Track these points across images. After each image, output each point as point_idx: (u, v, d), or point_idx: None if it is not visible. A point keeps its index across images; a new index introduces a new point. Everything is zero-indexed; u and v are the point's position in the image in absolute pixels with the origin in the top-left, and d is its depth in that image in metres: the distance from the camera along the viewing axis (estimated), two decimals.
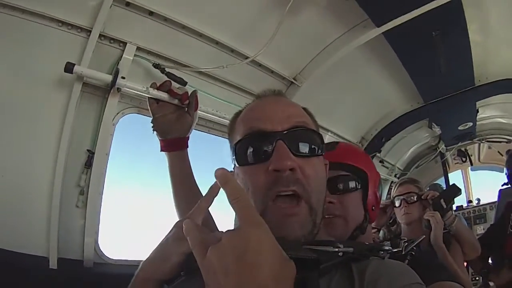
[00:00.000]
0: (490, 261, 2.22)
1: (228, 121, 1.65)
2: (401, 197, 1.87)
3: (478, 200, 3.96)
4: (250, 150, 0.67)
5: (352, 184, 1.05)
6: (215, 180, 0.51)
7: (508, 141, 3.31)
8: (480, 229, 3.60)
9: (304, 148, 0.66)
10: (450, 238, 1.79)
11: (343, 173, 1.04)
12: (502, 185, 2.55)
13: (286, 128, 0.65)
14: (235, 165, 0.71)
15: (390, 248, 0.79)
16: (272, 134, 0.65)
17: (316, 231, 0.66)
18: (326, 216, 0.96)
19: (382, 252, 0.71)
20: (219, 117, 1.70)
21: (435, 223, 1.71)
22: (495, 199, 3.13)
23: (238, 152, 0.69)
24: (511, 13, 1.82)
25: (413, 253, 1.14)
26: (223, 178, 0.50)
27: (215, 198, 0.65)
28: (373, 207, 1.11)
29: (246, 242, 0.45)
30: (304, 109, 0.77)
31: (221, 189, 0.52)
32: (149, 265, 0.65)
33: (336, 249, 0.61)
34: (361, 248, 0.67)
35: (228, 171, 0.51)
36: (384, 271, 0.58)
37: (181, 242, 0.61)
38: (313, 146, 0.67)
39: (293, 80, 1.96)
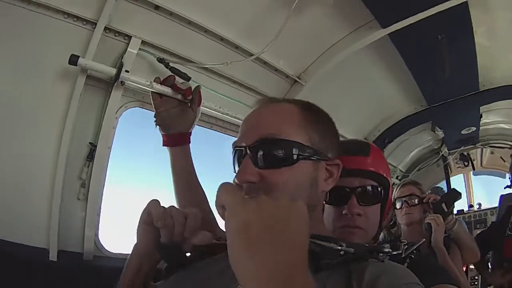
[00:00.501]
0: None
1: (231, 118, 1.69)
2: (403, 198, 1.88)
3: (479, 204, 3.96)
4: (233, 162, 0.75)
5: (378, 195, 1.02)
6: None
7: (511, 147, 3.30)
8: None
9: (266, 160, 0.68)
10: (449, 242, 1.80)
11: (373, 184, 1.01)
12: (505, 188, 2.56)
13: (250, 143, 0.69)
14: None
15: (390, 250, 0.79)
16: (241, 149, 0.71)
17: None
18: (350, 227, 0.96)
19: (381, 255, 0.71)
20: (222, 113, 1.69)
21: (435, 226, 1.71)
22: (496, 204, 3.13)
23: (232, 162, 0.76)
24: None
25: (413, 256, 1.14)
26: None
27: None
28: (385, 218, 1.09)
29: (290, 205, 0.46)
30: (305, 105, 0.77)
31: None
32: (134, 244, 0.69)
33: (339, 247, 0.63)
34: (362, 249, 0.68)
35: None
36: (383, 271, 0.59)
37: (145, 215, 0.66)
38: (281, 157, 0.68)
39: (297, 79, 1.95)
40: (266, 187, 0.66)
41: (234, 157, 0.75)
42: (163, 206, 0.65)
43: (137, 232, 0.68)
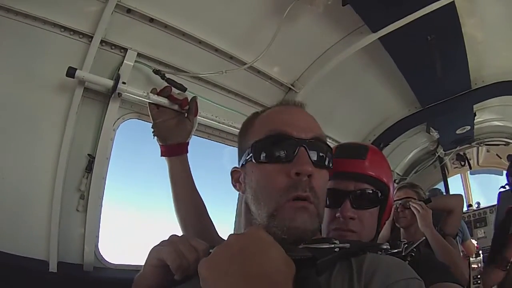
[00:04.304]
0: None
1: (227, 127, 1.71)
2: (399, 202, 1.89)
3: (478, 203, 3.96)
4: (274, 150, 0.71)
5: (375, 200, 1.02)
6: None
7: (506, 144, 3.33)
8: (481, 233, 3.59)
9: (320, 158, 0.72)
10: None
11: (369, 188, 1.01)
12: (500, 188, 2.57)
13: (309, 137, 0.71)
14: (249, 161, 0.74)
15: (388, 247, 0.80)
16: (297, 140, 0.70)
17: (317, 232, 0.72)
18: (342, 230, 0.97)
19: (380, 253, 0.72)
20: (218, 123, 1.70)
21: (417, 212, 1.77)
22: (495, 202, 3.13)
23: (259, 149, 0.73)
24: (505, 16, 1.84)
25: (413, 254, 1.14)
26: None
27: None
28: (385, 221, 1.09)
29: (249, 236, 0.52)
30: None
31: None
32: (139, 274, 0.70)
33: (332, 245, 0.64)
34: (358, 245, 0.69)
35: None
36: (381, 264, 0.60)
37: (157, 252, 0.67)
38: (327, 159, 0.74)
39: (291, 87, 1.98)
40: (315, 186, 0.69)
41: (276, 143, 0.71)
42: (170, 244, 0.65)
43: (145, 273, 0.68)
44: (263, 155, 0.71)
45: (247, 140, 0.77)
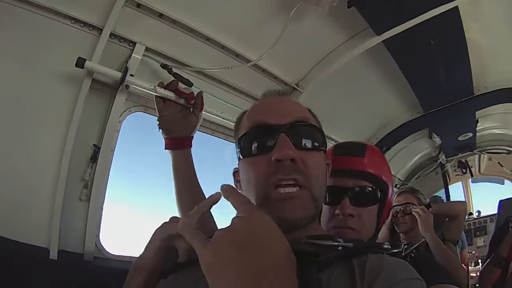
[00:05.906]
0: None
1: (232, 123, 1.71)
2: (399, 207, 1.89)
3: (479, 212, 3.94)
4: (254, 142, 0.69)
5: (374, 198, 1.02)
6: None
7: (508, 152, 3.32)
8: (480, 242, 3.56)
9: (305, 141, 0.69)
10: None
11: (368, 185, 1.01)
12: None
13: (288, 122, 0.69)
14: (239, 158, 0.74)
15: (389, 247, 0.81)
16: (276, 127, 0.68)
17: (316, 218, 0.70)
18: (341, 227, 0.97)
19: (381, 251, 0.72)
20: (223, 119, 1.72)
21: (419, 216, 1.75)
22: (496, 211, 3.12)
23: (243, 144, 0.72)
24: (509, 21, 1.85)
25: (413, 255, 1.14)
26: (227, 191, 0.56)
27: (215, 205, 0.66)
28: (385, 220, 1.09)
29: (255, 222, 0.49)
30: (308, 109, 0.81)
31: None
32: (139, 257, 0.68)
33: (336, 243, 0.63)
34: (361, 245, 0.69)
35: (232, 186, 0.57)
36: (384, 265, 0.59)
37: (162, 231, 0.65)
38: (314, 141, 0.70)
39: (295, 86, 2.00)
40: (304, 168, 0.66)
41: (256, 134, 0.70)
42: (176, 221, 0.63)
43: (149, 248, 0.66)
44: (246, 149, 0.70)
45: (236, 138, 0.76)
